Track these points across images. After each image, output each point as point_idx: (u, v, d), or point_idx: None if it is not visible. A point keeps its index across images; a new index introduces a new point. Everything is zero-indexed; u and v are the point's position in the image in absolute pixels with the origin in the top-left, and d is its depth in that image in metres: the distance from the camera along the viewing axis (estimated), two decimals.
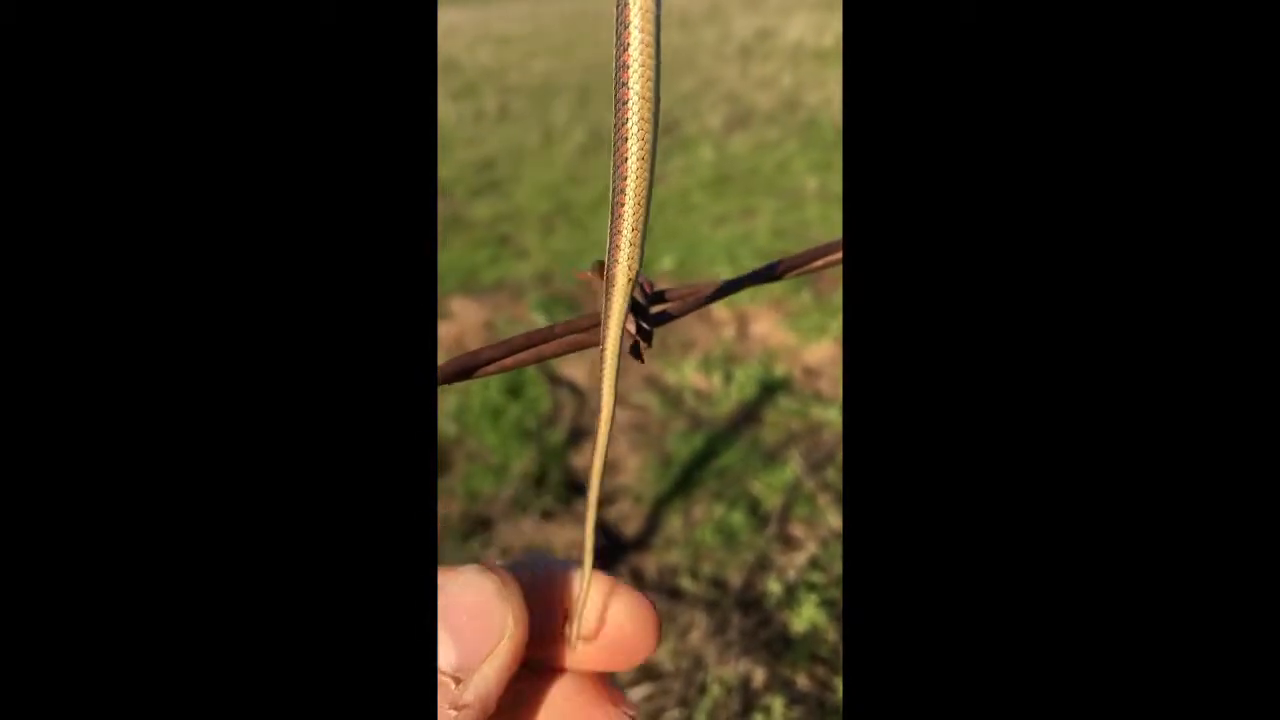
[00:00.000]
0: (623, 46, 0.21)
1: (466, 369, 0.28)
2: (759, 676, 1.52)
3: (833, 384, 2.41)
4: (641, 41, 0.21)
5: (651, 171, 0.23)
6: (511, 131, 5.29)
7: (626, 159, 0.23)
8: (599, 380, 0.28)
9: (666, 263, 3.17)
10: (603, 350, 0.27)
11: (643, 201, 0.23)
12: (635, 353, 0.28)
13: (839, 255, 0.31)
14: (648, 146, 0.23)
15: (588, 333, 0.29)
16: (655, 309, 0.29)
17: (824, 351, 2.57)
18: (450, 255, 3.34)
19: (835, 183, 3.98)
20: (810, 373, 2.48)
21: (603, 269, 0.29)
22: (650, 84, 0.22)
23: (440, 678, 0.28)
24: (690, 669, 1.55)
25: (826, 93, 5.75)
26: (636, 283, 0.29)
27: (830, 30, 7.80)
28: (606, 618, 0.32)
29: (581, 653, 0.32)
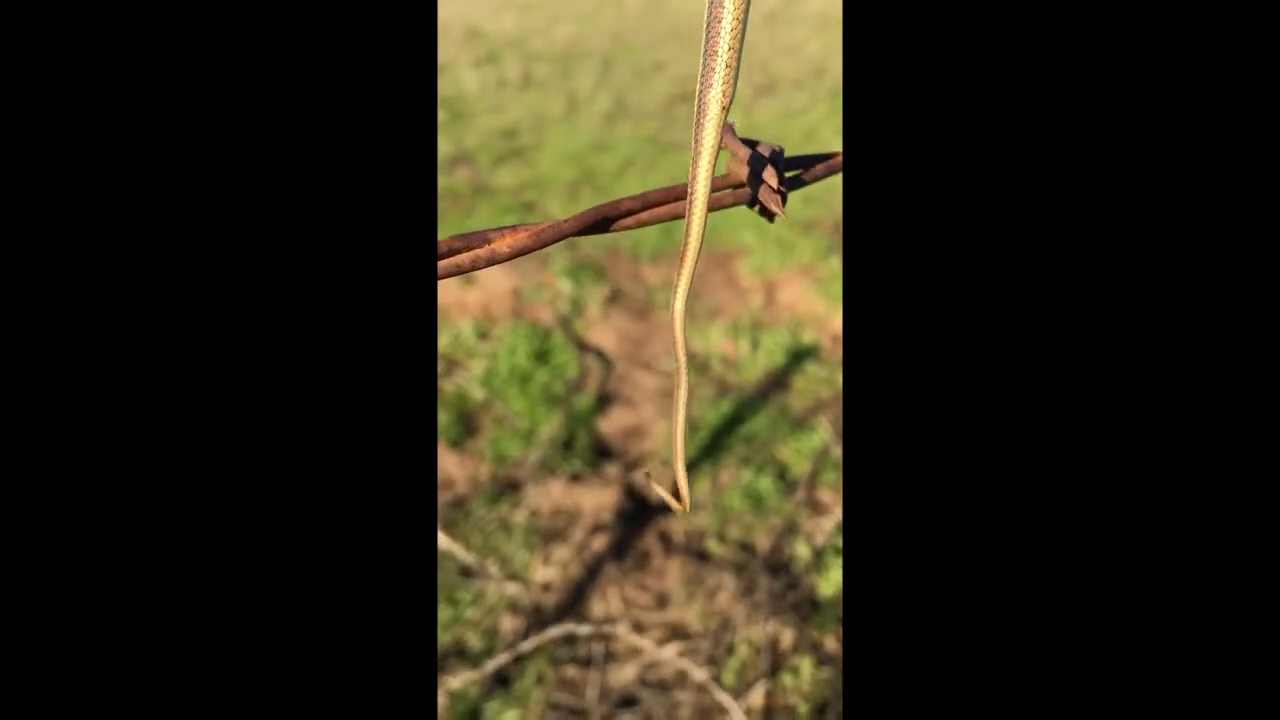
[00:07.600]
0: None
1: (606, 219, 0.29)
2: (787, 638, 1.53)
3: None
4: None
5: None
6: (535, 99, 5.26)
7: None
8: (678, 259, 0.28)
9: None
10: (692, 182, 0.26)
11: (741, 19, 0.23)
12: (766, 214, 0.28)
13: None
14: None
15: (720, 193, 0.30)
16: (788, 173, 0.30)
17: None
18: (476, 223, 3.34)
19: None
20: (839, 340, 2.47)
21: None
22: None
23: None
24: (718, 630, 1.56)
25: None
26: (729, 132, 0.29)
27: None
28: None
29: None
